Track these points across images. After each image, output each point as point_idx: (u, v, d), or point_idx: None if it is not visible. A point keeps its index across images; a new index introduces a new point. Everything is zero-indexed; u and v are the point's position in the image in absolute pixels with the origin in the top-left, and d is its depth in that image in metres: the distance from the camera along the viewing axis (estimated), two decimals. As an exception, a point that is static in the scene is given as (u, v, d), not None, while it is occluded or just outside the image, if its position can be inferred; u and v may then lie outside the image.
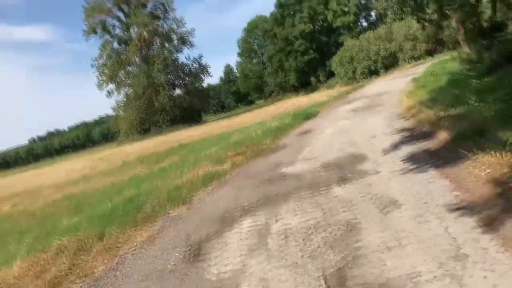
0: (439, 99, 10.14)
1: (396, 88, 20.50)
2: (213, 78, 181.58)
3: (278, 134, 14.71)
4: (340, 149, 8.76)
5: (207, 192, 8.07)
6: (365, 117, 12.79)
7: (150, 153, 27.93)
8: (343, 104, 20.29)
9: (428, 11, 14.85)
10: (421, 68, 33.15)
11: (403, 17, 14.73)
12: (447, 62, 25.91)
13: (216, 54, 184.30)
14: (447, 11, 13.76)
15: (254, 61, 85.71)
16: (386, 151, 7.33)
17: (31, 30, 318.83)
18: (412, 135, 8.09)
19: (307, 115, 18.47)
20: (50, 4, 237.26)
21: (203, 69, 71.67)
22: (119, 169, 23.27)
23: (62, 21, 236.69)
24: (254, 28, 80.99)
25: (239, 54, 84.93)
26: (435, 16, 14.57)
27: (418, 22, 15.62)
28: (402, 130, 8.93)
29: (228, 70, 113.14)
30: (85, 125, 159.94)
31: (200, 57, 71.41)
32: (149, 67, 63.73)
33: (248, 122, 34.01)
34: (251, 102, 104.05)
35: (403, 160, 6.37)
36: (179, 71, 69.32)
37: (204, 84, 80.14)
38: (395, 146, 7.49)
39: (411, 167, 5.84)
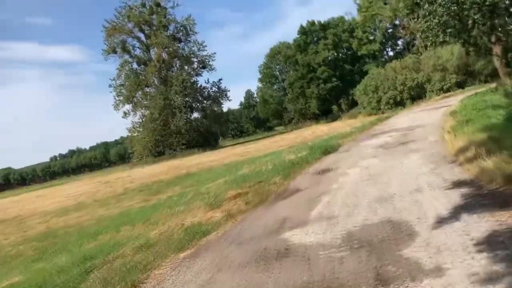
0: (505, 141, 7.55)
1: (430, 122, 17.90)
2: (234, 102, 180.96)
3: (291, 171, 12.26)
4: (370, 207, 6.23)
5: (175, 264, 5.60)
6: (399, 157, 10.22)
7: (154, 181, 25.92)
8: (369, 138, 17.72)
9: (474, 33, 12.43)
10: (453, 101, 30.41)
11: (446, 39, 12.31)
12: (486, 94, 23.20)
13: (238, 79, 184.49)
14: (500, 34, 11.27)
15: (275, 87, 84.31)
16: (444, 222, 4.77)
17: (59, 49, 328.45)
18: (479, 195, 5.50)
19: (327, 148, 15.94)
20: (79, 24, 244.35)
21: (222, 93, 70.22)
22: (117, 198, 21.37)
23: (89, 41, 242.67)
24: (276, 54, 79.88)
25: (260, 80, 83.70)
26: (482, 39, 12.09)
27: (463, 46, 13.18)
28: (459, 183, 6.35)
29: (248, 95, 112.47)
30: (105, 145, 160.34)
31: (220, 80, 70.01)
32: (167, 89, 62.67)
33: (262, 150, 31.86)
34: (270, 128, 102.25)
35: (480, 247, 3.81)
36: (198, 94, 68.06)
37: (224, 109, 78.84)
38: (458, 214, 4.93)
39: (505, 270, 3.28)
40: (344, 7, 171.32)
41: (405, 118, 24.96)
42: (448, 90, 43.69)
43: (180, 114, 61.25)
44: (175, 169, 33.25)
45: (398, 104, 46.23)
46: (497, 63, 22.62)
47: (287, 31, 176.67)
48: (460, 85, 44.46)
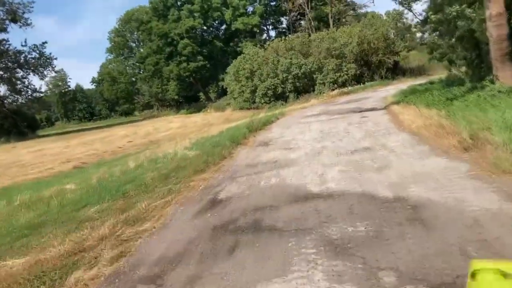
0: None
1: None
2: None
3: None
4: None
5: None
6: None
7: None
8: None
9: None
10: (367, 100, 18.44)
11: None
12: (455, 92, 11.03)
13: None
14: None
15: (130, 62, 66.49)
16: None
17: None
18: None
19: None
20: None
21: (46, 61, 50.32)
22: None
23: None
24: (132, 20, 61.97)
25: (109, 50, 64.97)
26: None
27: None
28: None
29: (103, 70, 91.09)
30: None
31: (44, 44, 49.76)
32: None
33: (41, 164, 16.67)
34: (127, 113, 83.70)
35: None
36: (5, 60, 47.24)
37: (72, 84, 58.45)
38: None
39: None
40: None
41: (309, 133, 11.55)
42: (343, 84, 32.52)
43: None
44: None
45: (279, 97, 33.83)
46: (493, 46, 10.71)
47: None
48: (358, 80, 33.75)
